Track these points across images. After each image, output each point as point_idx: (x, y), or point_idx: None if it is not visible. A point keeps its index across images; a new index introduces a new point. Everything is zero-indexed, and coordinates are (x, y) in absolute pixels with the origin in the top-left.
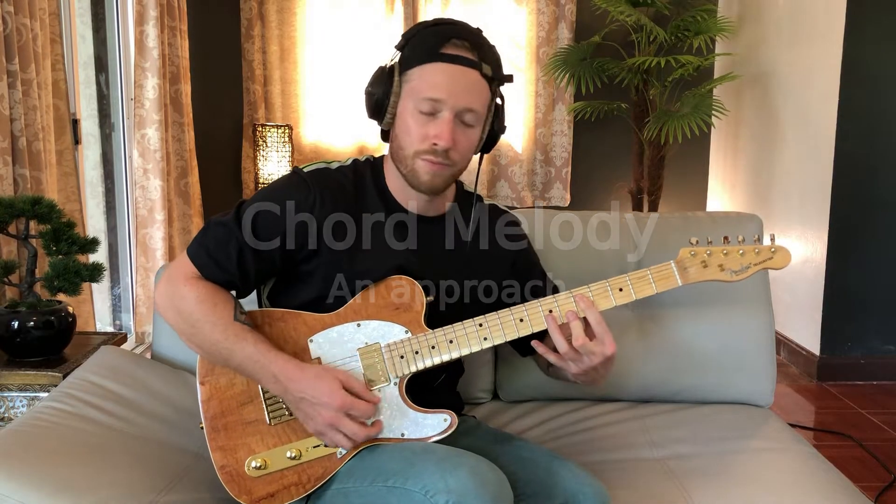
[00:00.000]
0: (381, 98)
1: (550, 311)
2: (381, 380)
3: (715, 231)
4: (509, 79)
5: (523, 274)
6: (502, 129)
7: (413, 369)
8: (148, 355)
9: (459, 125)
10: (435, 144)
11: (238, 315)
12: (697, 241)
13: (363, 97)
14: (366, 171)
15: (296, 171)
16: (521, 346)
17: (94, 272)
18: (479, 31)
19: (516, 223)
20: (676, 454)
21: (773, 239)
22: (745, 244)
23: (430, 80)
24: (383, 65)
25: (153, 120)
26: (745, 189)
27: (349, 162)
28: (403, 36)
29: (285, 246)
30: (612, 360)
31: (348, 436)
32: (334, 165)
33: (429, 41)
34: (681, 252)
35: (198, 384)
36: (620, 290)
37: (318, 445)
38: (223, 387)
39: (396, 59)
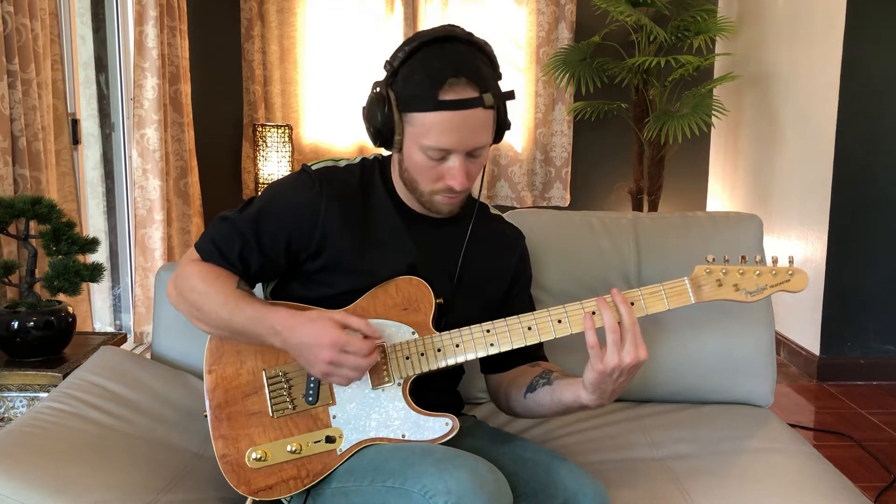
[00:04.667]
0: (385, 132)
1: (559, 321)
2: (385, 380)
3: (715, 231)
4: (510, 96)
5: (516, 294)
6: (507, 125)
7: (418, 371)
8: (148, 355)
9: (469, 159)
10: (450, 187)
11: (240, 285)
12: (714, 259)
13: (363, 120)
14: (374, 171)
15: (304, 169)
16: (488, 363)
17: (94, 272)
18: (468, 41)
19: (520, 238)
20: (676, 454)
21: (791, 261)
22: (763, 265)
23: (433, 130)
24: (378, 90)
25: (152, 120)
26: (745, 189)
27: (357, 160)
28: (391, 61)
29: (290, 244)
30: (636, 370)
31: (352, 369)
32: (342, 163)
33: (423, 85)
34: (696, 269)
35: (204, 373)
36: (632, 304)
37: (319, 441)
38: (229, 376)
39: (390, 90)
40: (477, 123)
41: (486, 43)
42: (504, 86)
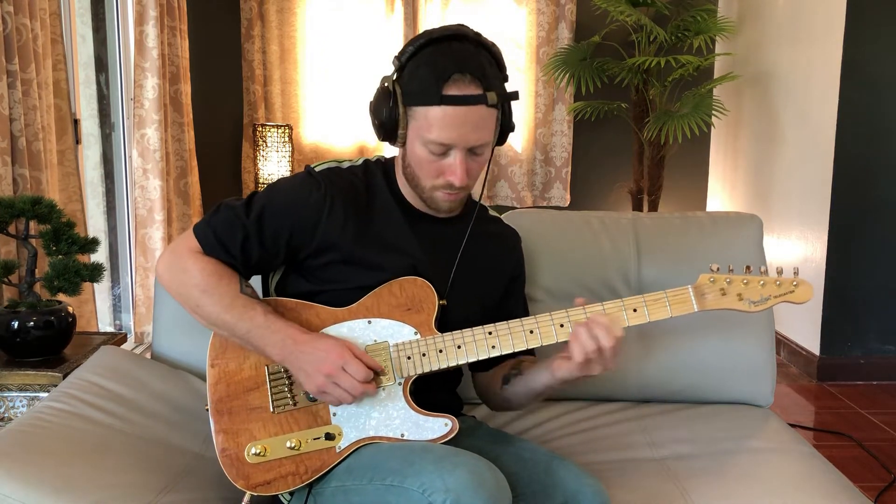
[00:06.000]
0: (388, 126)
1: (562, 326)
2: (386, 379)
3: (715, 231)
4: (514, 97)
5: (512, 294)
6: (511, 127)
7: (419, 371)
8: (148, 355)
9: (471, 156)
10: (450, 182)
11: (244, 288)
12: (718, 268)
13: (368, 114)
14: (377, 172)
15: (308, 170)
16: (477, 363)
17: (94, 272)
18: (476, 40)
19: (518, 240)
20: (676, 454)
21: (796, 272)
22: (767, 275)
23: (436, 124)
24: (385, 84)
25: (153, 120)
26: (745, 189)
27: (360, 161)
28: (399, 56)
29: (290, 241)
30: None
31: (345, 389)
32: (345, 164)
33: (429, 80)
34: (700, 278)
35: (207, 366)
36: (634, 310)
37: (319, 438)
38: (232, 371)
39: (396, 84)
40: (479, 120)
41: (493, 44)
42: (507, 87)
